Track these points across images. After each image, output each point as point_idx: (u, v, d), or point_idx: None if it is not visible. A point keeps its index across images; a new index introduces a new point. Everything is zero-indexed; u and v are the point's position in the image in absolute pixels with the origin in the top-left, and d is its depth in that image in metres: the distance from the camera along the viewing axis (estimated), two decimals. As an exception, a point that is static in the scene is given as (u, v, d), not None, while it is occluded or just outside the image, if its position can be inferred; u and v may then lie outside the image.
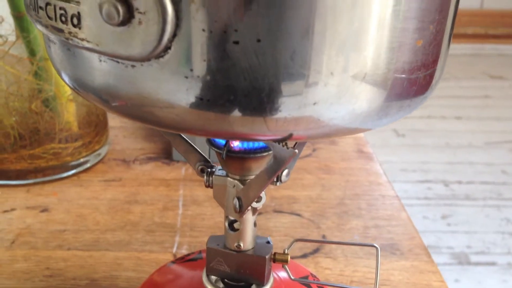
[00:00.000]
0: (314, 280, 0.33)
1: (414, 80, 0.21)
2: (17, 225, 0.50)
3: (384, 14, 0.19)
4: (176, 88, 0.19)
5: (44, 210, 0.52)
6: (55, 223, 0.50)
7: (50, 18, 0.20)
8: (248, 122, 0.19)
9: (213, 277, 0.30)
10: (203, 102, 0.19)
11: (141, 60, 0.19)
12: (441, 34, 0.22)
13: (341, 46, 0.19)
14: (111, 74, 0.20)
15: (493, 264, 1.38)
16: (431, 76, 0.22)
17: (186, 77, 0.19)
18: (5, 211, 0.52)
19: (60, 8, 0.20)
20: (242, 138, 0.21)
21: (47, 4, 0.20)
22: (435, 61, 0.22)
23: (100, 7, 0.18)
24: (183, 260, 0.34)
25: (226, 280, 0.30)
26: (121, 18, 0.18)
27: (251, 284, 0.29)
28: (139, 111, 0.20)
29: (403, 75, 0.20)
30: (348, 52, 0.19)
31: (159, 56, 0.18)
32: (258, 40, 0.18)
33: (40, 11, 0.21)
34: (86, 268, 0.45)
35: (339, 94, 0.20)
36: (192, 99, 0.19)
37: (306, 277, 0.32)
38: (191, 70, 0.18)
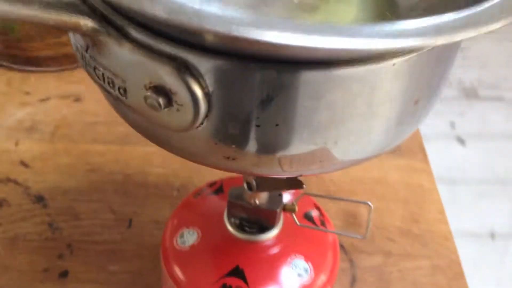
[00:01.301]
0: (319, 218, 0.39)
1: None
2: (54, 116, 0.55)
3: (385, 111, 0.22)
4: (206, 149, 0.23)
5: (77, 99, 0.57)
6: (88, 114, 0.55)
7: (98, 78, 0.23)
8: (264, 171, 0.24)
9: (233, 218, 0.36)
10: (228, 159, 0.23)
11: (176, 131, 0.22)
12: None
13: (348, 132, 0.22)
14: (149, 130, 0.24)
15: (500, 99, 1.44)
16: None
17: (215, 144, 0.22)
18: (42, 100, 0.57)
19: (108, 77, 0.22)
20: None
21: (95, 68, 0.23)
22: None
23: (145, 98, 0.21)
24: (208, 191, 0.40)
25: (243, 222, 0.36)
26: (162, 108, 0.21)
27: (265, 227, 0.35)
28: (180, 155, 0.24)
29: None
30: (355, 138, 0.22)
31: (192, 129, 0.22)
32: (277, 125, 0.21)
33: (89, 67, 0.23)
34: (120, 163, 0.51)
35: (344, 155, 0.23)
36: (220, 156, 0.23)
37: (311, 218, 0.38)
38: (220, 140, 0.22)
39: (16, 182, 0.48)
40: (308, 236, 0.35)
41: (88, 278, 0.42)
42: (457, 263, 0.45)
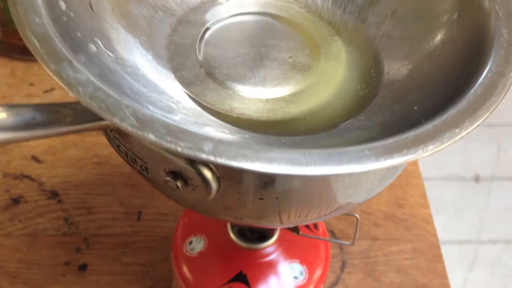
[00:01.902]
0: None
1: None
2: (60, 108, 0.58)
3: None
4: (218, 211, 0.27)
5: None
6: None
7: (122, 153, 0.26)
8: (266, 225, 0.28)
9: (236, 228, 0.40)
10: (236, 218, 0.27)
11: (191, 202, 0.26)
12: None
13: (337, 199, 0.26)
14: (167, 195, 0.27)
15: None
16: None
17: (225, 209, 0.26)
18: (46, 91, 0.59)
19: (131, 156, 0.26)
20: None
21: (119, 145, 0.26)
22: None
23: (165, 181, 0.24)
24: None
25: (245, 231, 0.40)
26: (180, 188, 0.24)
27: (264, 235, 0.40)
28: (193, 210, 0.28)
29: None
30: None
31: (206, 201, 0.25)
32: (277, 198, 0.25)
33: (112, 143, 0.26)
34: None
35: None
36: (228, 217, 0.27)
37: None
38: (229, 207, 0.26)
39: (30, 178, 0.52)
40: (303, 241, 0.40)
41: (105, 271, 0.47)
42: (436, 246, 0.50)
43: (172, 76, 0.28)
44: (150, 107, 0.24)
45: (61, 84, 0.21)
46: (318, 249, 0.40)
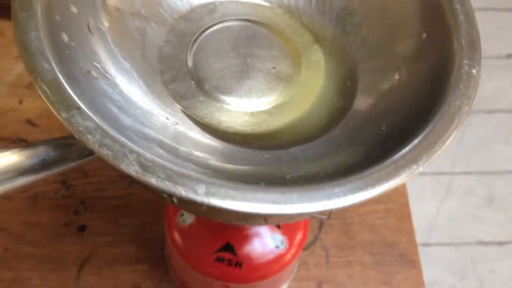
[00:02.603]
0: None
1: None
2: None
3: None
4: (209, 214, 0.30)
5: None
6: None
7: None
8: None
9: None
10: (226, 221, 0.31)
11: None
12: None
13: None
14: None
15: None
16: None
17: (216, 213, 0.30)
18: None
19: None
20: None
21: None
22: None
23: (163, 197, 0.27)
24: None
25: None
26: (175, 203, 0.28)
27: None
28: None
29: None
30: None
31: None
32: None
33: None
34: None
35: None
36: (220, 219, 0.31)
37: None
38: (219, 214, 0.29)
39: (27, 142, 0.55)
40: (284, 214, 0.44)
41: (103, 231, 0.51)
42: (406, 206, 0.54)
43: (165, 90, 0.31)
44: (146, 129, 0.27)
45: (72, 132, 0.23)
46: (297, 222, 0.44)
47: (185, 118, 0.30)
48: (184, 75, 0.31)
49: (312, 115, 0.31)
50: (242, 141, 0.30)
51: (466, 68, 0.28)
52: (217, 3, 0.33)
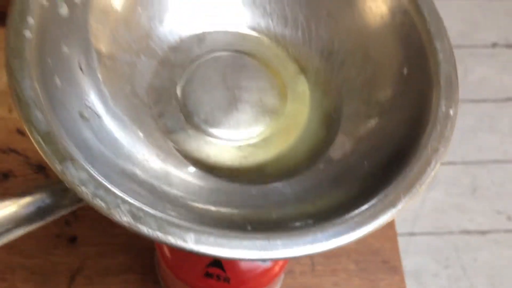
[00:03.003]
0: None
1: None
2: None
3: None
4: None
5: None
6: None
7: None
8: None
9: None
10: None
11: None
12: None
13: None
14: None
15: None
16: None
17: None
18: (24, 59, 0.61)
19: None
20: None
21: None
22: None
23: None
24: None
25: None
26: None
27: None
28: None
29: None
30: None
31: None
32: None
33: None
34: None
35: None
36: None
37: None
38: None
39: (17, 152, 0.55)
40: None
41: (94, 242, 0.52)
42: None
43: (154, 124, 0.32)
44: (137, 171, 0.28)
45: (66, 183, 0.24)
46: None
47: (175, 153, 0.31)
48: (173, 108, 0.32)
49: (297, 148, 0.32)
50: (229, 175, 0.31)
51: (444, 108, 0.29)
52: (206, 33, 0.34)
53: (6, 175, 0.54)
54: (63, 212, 0.26)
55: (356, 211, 0.26)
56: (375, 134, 0.32)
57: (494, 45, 1.49)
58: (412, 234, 1.22)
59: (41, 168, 0.54)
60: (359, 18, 0.34)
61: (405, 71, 0.32)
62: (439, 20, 0.31)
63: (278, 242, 0.25)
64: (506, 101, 1.37)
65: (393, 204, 0.26)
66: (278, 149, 0.32)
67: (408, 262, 1.18)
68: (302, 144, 0.33)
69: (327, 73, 0.35)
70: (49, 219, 0.26)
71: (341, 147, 0.32)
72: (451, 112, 0.29)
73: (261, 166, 0.32)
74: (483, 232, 1.24)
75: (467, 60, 1.47)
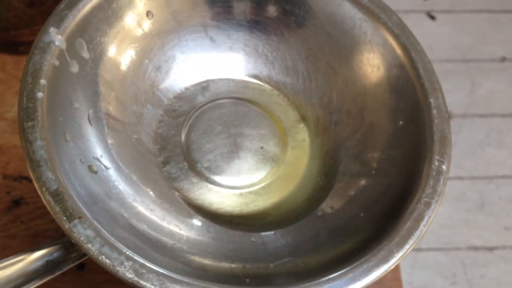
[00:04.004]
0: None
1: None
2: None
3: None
4: None
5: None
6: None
7: None
8: None
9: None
10: None
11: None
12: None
13: None
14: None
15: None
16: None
17: None
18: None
19: None
20: None
21: None
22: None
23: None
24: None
25: None
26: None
27: None
28: None
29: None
30: None
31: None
32: None
33: None
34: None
35: None
36: None
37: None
38: None
39: (28, 180, 0.57)
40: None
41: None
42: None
43: (159, 172, 0.33)
44: (143, 226, 0.29)
45: (74, 241, 0.26)
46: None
47: (179, 201, 0.33)
48: (178, 156, 0.34)
49: (296, 195, 0.33)
50: (230, 222, 0.32)
51: (437, 163, 0.30)
52: (210, 82, 0.35)
53: (17, 202, 0.56)
54: (72, 264, 0.27)
55: (351, 267, 0.27)
56: (369, 189, 0.33)
57: (503, 59, 1.49)
58: (419, 250, 1.22)
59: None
60: (357, 70, 0.35)
61: (400, 124, 0.33)
62: (433, 75, 0.32)
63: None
64: (515, 116, 1.37)
65: (386, 260, 0.27)
66: (278, 196, 0.33)
67: (415, 278, 1.19)
68: (302, 192, 0.34)
69: (326, 122, 0.36)
70: (58, 272, 0.27)
71: (338, 196, 0.33)
72: (444, 167, 0.30)
73: (262, 213, 0.33)
74: (490, 248, 1.24)
75: (475, 74, 1.47)
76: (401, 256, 0.28)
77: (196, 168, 0.34)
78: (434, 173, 0.30)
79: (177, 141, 0.34)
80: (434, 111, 0.31)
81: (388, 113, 0.34)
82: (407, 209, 0.29)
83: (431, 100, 0.32)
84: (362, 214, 0.31)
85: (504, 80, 1.46)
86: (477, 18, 1.56)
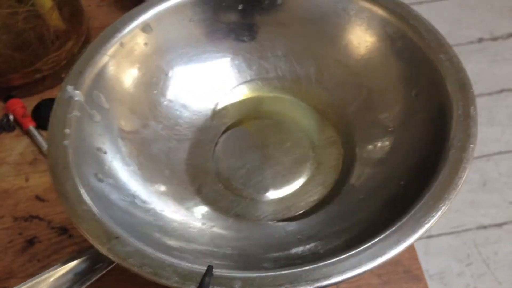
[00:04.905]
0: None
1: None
2: (50, 143, 0.62)
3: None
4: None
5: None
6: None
7: None
8: None
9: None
10: None
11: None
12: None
13: None
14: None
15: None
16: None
17: None
18: (33, 128, 0.63)
19: None
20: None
21: None
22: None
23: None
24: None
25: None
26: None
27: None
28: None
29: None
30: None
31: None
32: None
33: None
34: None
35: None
36: None
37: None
38: None
39: (39, 218, 0.58)
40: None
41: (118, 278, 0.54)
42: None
43: (197, 198, 0.34)
44: (184, 244, 0.30)
45: (114, 260, 0.27)
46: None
47: (221, 218, 0.33)
48: (212, 180, 0.35)
49: (328, 184, 0.34)
50: (275, 229, 0.33)
51: (462, 109, 0.30)
52: (229, 107, 0.37)
53: (31, 241, 0.56)
54: (99, 274, 0.28)
55: (381, 236, 0.27)
56: (392, 155, 0.33)
57: (480, 40, 1.51)
58: (430, 236, 1.22)
59: (64, 230, 0.56)
60: (362, 50, 0.36)
61: (414, 93, 0.33)
62: (436, 33, 0.33)
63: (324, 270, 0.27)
64: (501, 92, 1.39)
65: (429, 213, 0.27)
66: (318, 195, 0.34)
67: (430, 266, 1.19)
68: (340, 183, 0.34)
69: (345, 111, 0.37)
70: (87, 283, 0.28)
71: (361, 173, 0.33)
72: (472, 111, 0.30)
73: (303, 211, 0.34)
74: (499, 225, 1.25)
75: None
76: (446, 206, 0.27)
77: (231, 186, 0.35)
78: (462, 118, 0.30)
79: (208, 167, 0.36)
80: (447, 64, 0.32)
81: (400, 82, 0.35)
82: (442, 160, 0.29)
83: (441, 56, 0.32)
84: (402, 183, 0.31)
85: (485, 59, 1.48)
86: (450, 5, 1.59)
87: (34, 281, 0.26)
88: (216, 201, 0.34)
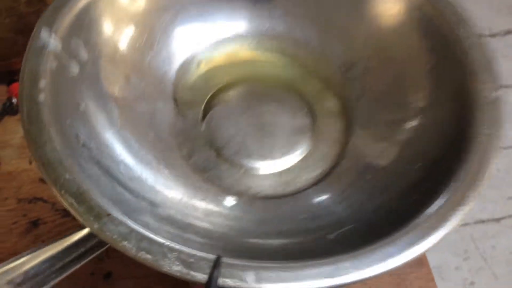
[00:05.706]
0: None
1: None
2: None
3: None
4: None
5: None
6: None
7: None
8: None
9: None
10: None
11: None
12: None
13: None
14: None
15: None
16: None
17: None
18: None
19: None
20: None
21: None
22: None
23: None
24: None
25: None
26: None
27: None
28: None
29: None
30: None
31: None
32: None
33: None
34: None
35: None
36: None
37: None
38: None
39: (43, 200, 0.57)
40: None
41: (129, 275, 0.54)
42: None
43: (187, 165, 0.30)
44: (177, 215, 0.27)
45: (106, 241, 0.23)
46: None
47: (213, 190, 0.30)
48: (202, 147, 0.31)
49: (340, 162, 0.31)
50: (275, 203, 0.29)
51: (487, 92, 0.27)
52: (222, 65, 0.34)
53: (35, 223, 0.56)
54: (97, 252, 0.26)
55: (418, 220, 0.25)
56: (418, 137, 0.30)
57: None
58: (427, 231, 1.22)
59: (68, 212, 0.56)
60: (376, 23, 0.33)
61: (431, 66, 0.31)
62: (456, 9, 0.31)
63: (347, 264, 0.23)
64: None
65: (460, 203, 0.26)
66: (320, 169, 0.31)
67: (428, 260, 1.19)
68: (344, 158, 0.31)
69: (350, 82, 0.33)
70: (84, 260, 0.26)
71: (385, 154, 0.31)
72: (496, 93, 0.27)
73: (305, 187, 0.30)
74: (497, 219, 1.24)
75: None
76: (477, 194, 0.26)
77: (224, 155, 0.31)
78: (486, 102, 0.27)
79: (197, 131, 0.32)
80: (467, 42, 0.30)
81: (418, 59, 0.32)
82: (468, 150, 0.27)
83: (460, 33, 0.30)
84: (415, 167, 0.29)
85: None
86: None
87: (30, 256, 0.25)
88: (206, 169, 0.30)
